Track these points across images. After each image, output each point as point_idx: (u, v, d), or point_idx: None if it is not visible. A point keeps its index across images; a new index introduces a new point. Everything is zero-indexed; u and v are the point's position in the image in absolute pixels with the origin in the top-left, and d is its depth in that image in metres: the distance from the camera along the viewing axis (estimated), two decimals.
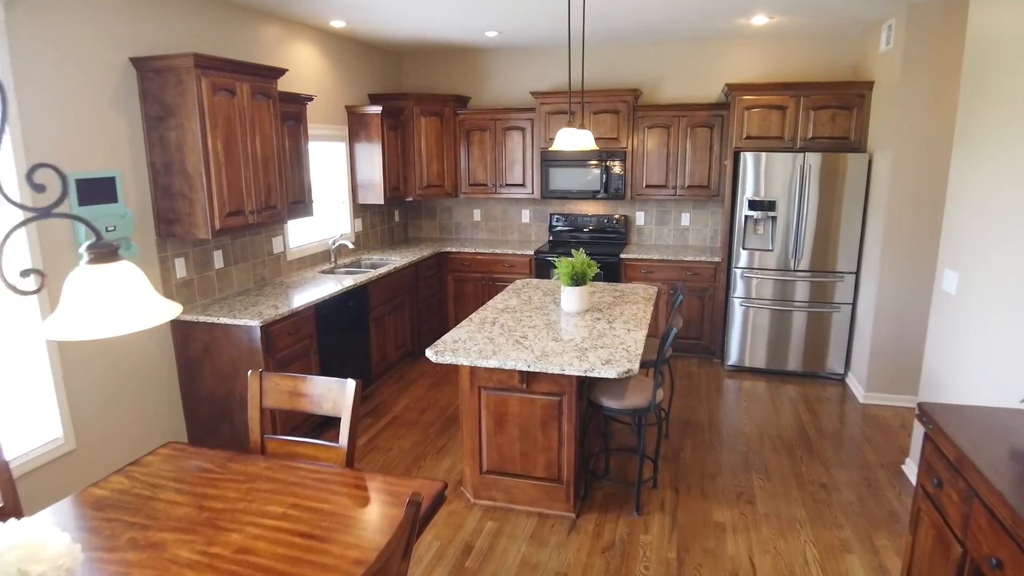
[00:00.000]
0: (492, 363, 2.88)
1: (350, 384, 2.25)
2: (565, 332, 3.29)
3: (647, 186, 5.68)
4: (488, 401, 3.16)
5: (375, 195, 5.59)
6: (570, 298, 3.63)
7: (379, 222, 6.16)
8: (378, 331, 4.95)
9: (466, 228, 6.59)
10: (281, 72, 3.98)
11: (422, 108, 5.84)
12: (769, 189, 4.94)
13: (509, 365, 2.86)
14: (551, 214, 6.21)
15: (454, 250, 5.98)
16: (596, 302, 3.90)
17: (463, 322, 3.51)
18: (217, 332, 3.68)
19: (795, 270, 5.02)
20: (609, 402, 3.17)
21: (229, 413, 3.78)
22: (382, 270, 4.96)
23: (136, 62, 3.39)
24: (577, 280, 3.58)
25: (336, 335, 4.33)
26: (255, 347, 3.62)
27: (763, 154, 4.91)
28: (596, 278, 5.58)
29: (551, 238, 6.24)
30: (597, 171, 5.68)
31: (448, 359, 2.94)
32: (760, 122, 5.03)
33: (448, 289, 6.08)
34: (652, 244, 6.05)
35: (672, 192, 5.64)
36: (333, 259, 5.23)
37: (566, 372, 2.79)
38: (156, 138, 3.50)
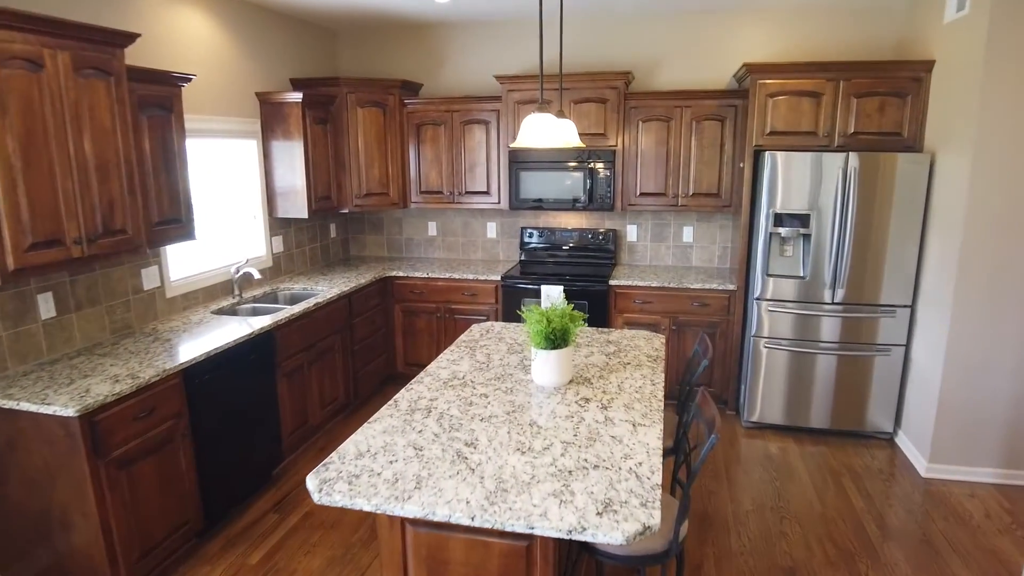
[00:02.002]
0: (411, 510, 1.71)
1: None
2: (537, 432, 2.14)
3: (641, 194, 4.55)
4: (418, 544, 1.98)
5: (297, 207, 4.38)
6: (545, 368, 2.47)
7: (308, 240, 4.94)
8: (293, 389, 3.74)
9: (419, 245, 5.40)
10: (128, 38, 2.76)
11: (359, 96, 4.64)
12: (800, 199, 3.84)
13: (440, 515, 1.69)
14: (523, 228, 5.05)
15: (401, 274, 4.79)
16: (582, 367, 2.75)
17: (383, 409, 2.34)
18: (22, 422, 2.46)
19: (833, 302, 3.92)
20: (608, 544, 2.02)
21: (46, 533, 2.57)
22: (301, 306, 3.76)
23: None
24: (555, 341, 2.42)
25: (223, 405, 3.12)
26: (75, 444, 2.41)
27: (792, 154, 3.80)
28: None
29: (523, 257, 5.08)
30: (579, 175, 4.53)
31: (340, 499, 1.76)
32: (788, 113, 3.92)
33: (396, 322, 4.89)
34: (647, 266, 4.92)
35: (672, 201, 4.51)
36: (237, 292, 4.01)
37: (535, 530, 1.63)
38: None
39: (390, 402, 2.39)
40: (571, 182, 4.54)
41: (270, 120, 4.31)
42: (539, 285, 4.48)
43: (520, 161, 4.61)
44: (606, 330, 3.27)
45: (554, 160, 4.54)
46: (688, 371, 2.91)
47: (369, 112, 4.68)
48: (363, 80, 4.63)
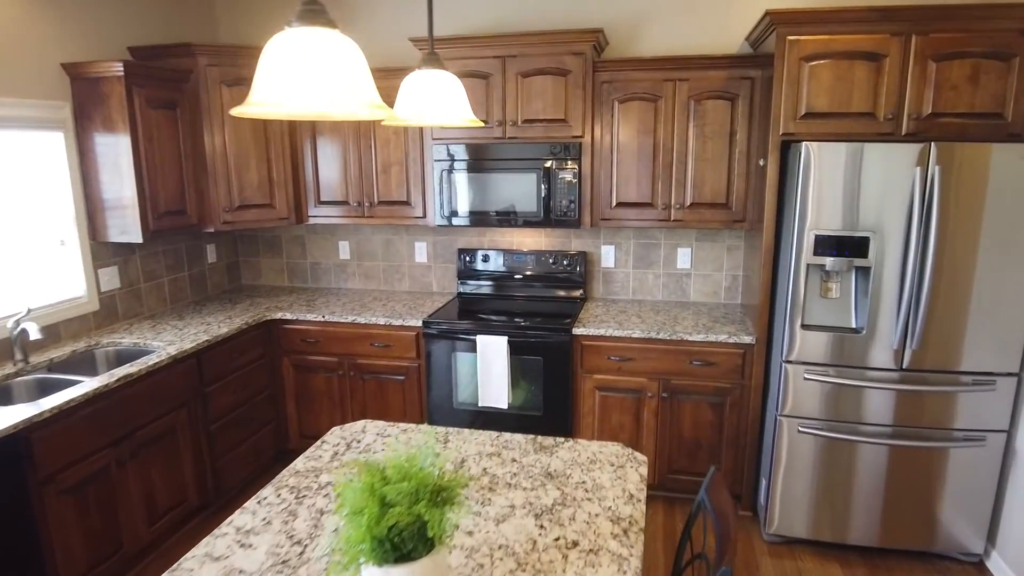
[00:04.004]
0: None
1: None
2: None
3: (619, 204, 3.25)
4: None
5: (128, 226, 3.07)
6: None
7: (167, 269, 3.61)
8: (83, 508, 2.43)
9: (328, 272, 4.08)
10: None
11: (226, 71, 3.32)
12: (852, 213, 2.55)
13: None
14: (461, 251, 3.74)
15: (290, 316, 3.47)
16: (473, 571, 1.45)
17: None
18: None
19: (900, 367, 2.63)
20: None
21: None
22: (101, 380, 2.45)
23: None
24: (402, 547, 1.11)
25: None
26: None
27: (840, 145, 2.52)
28: (528, 375, 3.15)
29: (461, 289, 3.77)
30: (529, 179, 3.22)
31: None
32: (833, 85, 2.63)
33: (285, 381, 3.57)
34: (629, 300, 3.62)
35: (662, 214, 3.22)
36: (20, 356, 2.70)
37: None
38: None
39: None
40: (523, 190, 3.24)
41: (87, 104, 2.99)
42: (475, 336, 3.17)
43: (452, 160, 3.29)
44: (549, 443, 1.96)
45: (498, 159, 3.23)
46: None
47: (241, 93, 3.37)
48: (229, 48, 3.31)
